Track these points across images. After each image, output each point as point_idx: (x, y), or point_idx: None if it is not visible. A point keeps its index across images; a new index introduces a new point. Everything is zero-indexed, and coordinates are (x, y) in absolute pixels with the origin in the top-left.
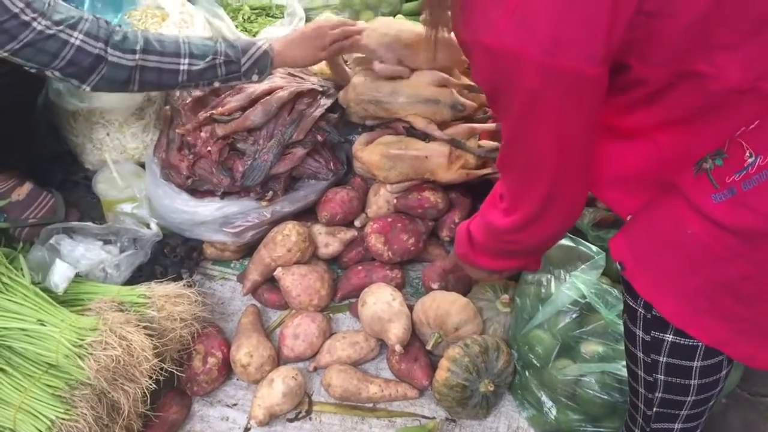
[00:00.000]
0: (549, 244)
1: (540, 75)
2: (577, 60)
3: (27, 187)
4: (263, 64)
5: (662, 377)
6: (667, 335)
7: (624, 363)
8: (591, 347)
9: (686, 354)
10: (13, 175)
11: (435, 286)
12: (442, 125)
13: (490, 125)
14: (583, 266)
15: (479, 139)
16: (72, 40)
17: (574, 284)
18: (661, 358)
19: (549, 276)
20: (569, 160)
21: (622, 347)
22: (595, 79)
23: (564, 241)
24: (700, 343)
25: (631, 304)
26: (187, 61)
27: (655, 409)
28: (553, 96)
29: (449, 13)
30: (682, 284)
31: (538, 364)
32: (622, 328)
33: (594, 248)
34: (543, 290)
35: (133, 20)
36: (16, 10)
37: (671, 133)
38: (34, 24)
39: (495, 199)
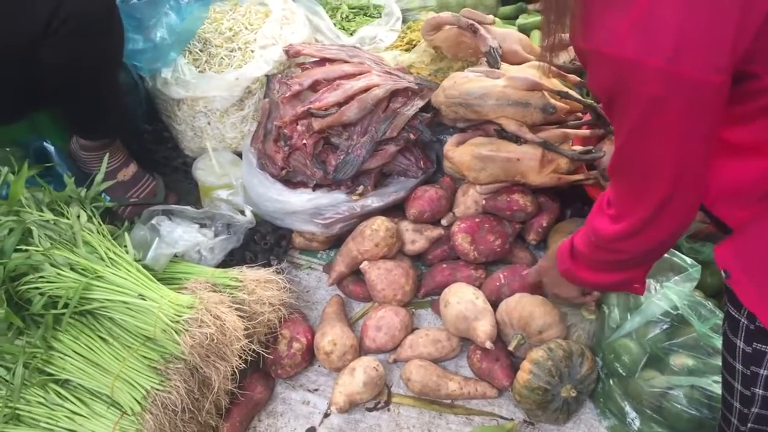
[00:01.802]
0: (655, 255)
1: (661, 83)
2: (700, 68)
3: (132, 168)
4: None
5: (761, 391)
6: None
7: (714, 378)
8: (681, 360)
9: None
10: (122, 155)
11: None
12: (534, 129)
13: (584, 131)
14: (676, 277)
15: (572, 145)
16: None
17: (666, 295)
18: (761, 371)
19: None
20: (686, 168)
21: (713, 361)
22: (718, 87)
23: None
24: None
25: (733, 313)
26: None
27: (749, 425)
28: (674, 104)
29: (567, 21)
30: None
31: (623, 374)
32: (714, 341)
33: (688, 260)
34: (632, 299)
35: (237, 15)
36: None
37: None
38: None
39: (602, 205)
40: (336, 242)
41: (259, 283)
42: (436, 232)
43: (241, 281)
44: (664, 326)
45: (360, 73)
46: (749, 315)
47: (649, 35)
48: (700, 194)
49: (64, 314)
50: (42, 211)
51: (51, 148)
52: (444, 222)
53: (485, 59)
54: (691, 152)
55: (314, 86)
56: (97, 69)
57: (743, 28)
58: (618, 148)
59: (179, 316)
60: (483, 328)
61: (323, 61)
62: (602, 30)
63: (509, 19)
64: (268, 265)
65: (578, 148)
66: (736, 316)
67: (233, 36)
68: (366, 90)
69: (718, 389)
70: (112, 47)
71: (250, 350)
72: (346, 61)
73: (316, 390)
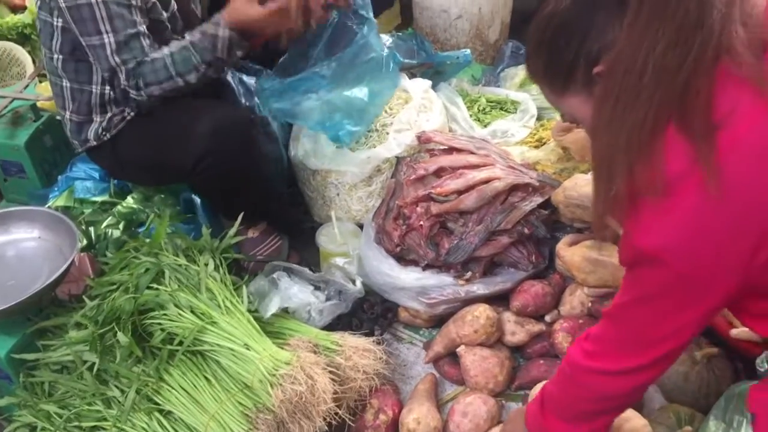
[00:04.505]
0: (618, 403)
1: (674, 277)
2: (713, 273)
3: (261, 227)
4: (234, 45)
5: None
6: None
7: None
8: None
9: None
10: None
11: None
12: None
13: None
14: None
15: None
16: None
17: None
18: None
19: (740, 418)
20: (679, 342)
21: None
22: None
23: None
24: None
25: None
26: (180, 79)
27: None
28: (681, 293)
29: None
30: None
31: None
32: None
33: None
34: (735, 420)
35: None
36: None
37: None
38: None
39: (581, 338)
40: (438, 322)
41: (357, 350)
42: (537, 327)
43: (340, 345)
44: None
45: (484, 165)
46: None
47: (666, 235)
48: (676, 358)
49: (178, 351)
50: (177, 255)
51: (197, 200)
52: (547, 318)
53: None
54: (688, 331)
55: (438, 172)
56: (241, 184)
57: (754, 259)
58: (622, 301)
59: (276, 369)
60: None
61: (451, 150)
62: (638, 222)
63: None
64: (371, 333)
65: None
66: None
67: None
68: (487, 181)
69: None
70: (257, 168)
71: (335, 414)
72: (472, 152)
73: None
